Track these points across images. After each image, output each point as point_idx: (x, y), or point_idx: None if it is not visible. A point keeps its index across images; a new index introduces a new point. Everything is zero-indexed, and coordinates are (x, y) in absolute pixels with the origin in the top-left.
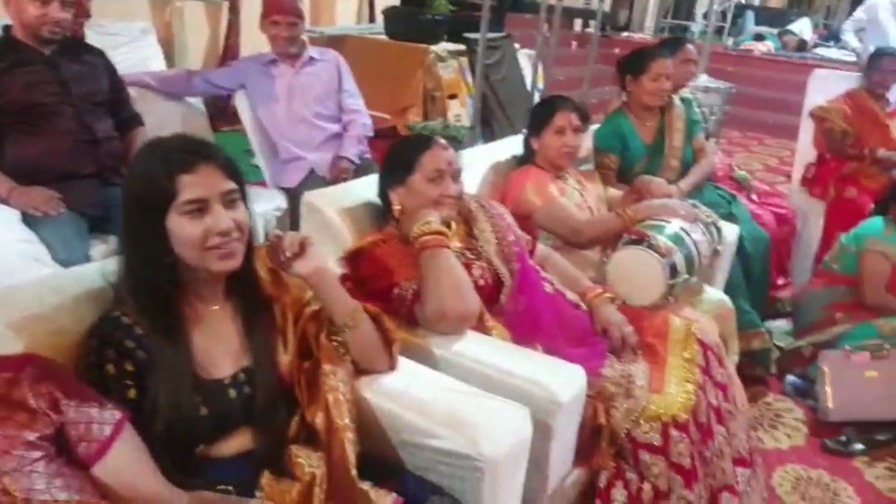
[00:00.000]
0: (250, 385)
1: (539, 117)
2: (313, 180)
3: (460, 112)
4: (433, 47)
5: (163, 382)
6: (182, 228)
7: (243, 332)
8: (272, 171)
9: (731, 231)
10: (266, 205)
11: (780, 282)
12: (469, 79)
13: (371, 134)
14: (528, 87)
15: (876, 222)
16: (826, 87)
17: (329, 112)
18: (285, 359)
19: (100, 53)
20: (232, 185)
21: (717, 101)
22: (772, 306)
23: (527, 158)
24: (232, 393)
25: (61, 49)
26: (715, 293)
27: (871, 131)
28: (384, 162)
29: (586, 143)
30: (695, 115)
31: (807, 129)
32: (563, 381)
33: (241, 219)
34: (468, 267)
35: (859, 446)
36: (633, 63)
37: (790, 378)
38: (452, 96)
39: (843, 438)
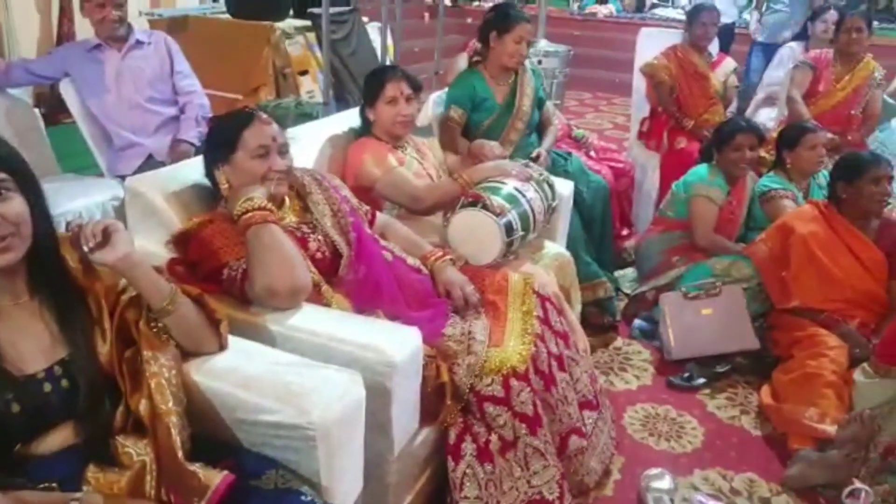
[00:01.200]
0: (68, 378)
1: (371, 88)
2: (152, 166)
3: (313, 88)
4: (279, 24)
5: None
6: None
7: (55, 326)
8: (107, 160)
9: (565, 187)
10: (103, 195)
11: (625, 232)
12: (319, 54)
13: (209, 114)
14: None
15: (701, 169)
16: (653, 45)
17: (163, 96)
18: (104, 349)
19: None
20: None
21: (556, 64)
22: (618, 256)
23: (364, 130)
24: (47, 387)
25: None
26: (554, 247)
27: (691, 84)
28: (207, 141)
29: (424, 112)
30: (542, 91)
31: (639, 85)
32: (397, 342)
33: (11, 212)
34: (304, 241)
35: (701, 380)
36: (500, 21)
37: (637, 322)
38: (303, 73)
39: (686, 374)
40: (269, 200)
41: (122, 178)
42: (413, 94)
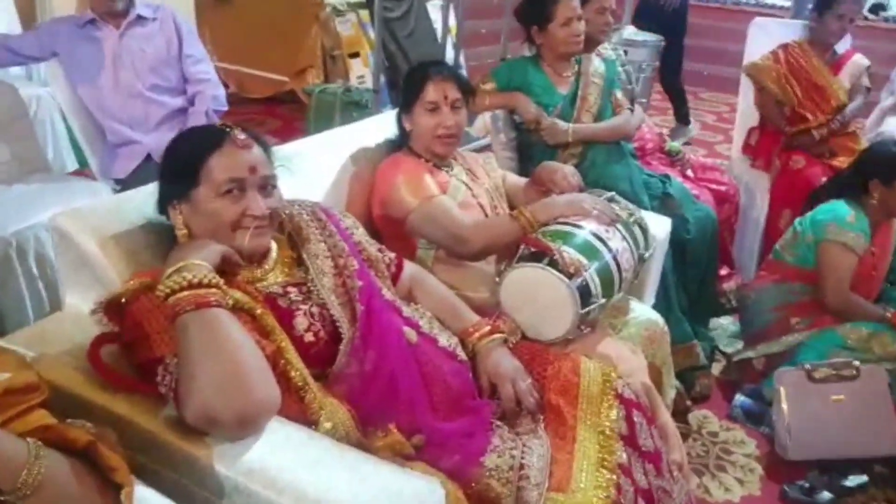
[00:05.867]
0: None
1: (409, 89)
2: (150, 169)
3: (364, 73)
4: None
5: None
6: None
7: None
8: (100, 159)
9: (661, 227)
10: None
11: (724, 272)
12: (373, 35)
13: (225, 108)
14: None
15: (839, 207)
16: (766, 38)
17: (168, 83)
18: None
19: None
20: None
21: (645, 55)
22: (715, 301)
23: (400, 142)
24: None
25: None
26: (643, 310)
27: (804, 94)
28: (161, 167)
29: (481, 120)
30: (616, 82)
31: (748, 87)
32: None
33: None
34: (289, 315)
35: (826, 495)
36: (535, 12)
37: (739, 399)
38: (354, 55)
39: (806, 485)
40: (243, 257)
41: (118, 181)
42: (460, 98)
